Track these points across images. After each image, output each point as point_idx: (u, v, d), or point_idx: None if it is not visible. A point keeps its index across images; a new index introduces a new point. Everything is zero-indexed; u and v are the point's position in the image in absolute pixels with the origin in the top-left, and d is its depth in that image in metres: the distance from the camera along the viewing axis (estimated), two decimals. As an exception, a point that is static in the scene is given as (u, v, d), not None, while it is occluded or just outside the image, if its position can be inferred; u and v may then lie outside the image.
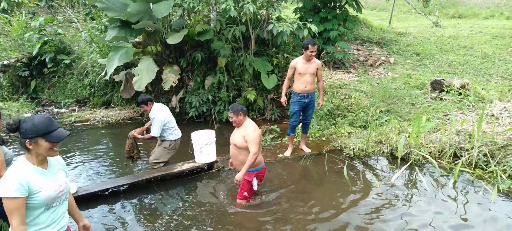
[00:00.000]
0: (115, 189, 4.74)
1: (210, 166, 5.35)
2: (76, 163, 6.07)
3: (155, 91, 8.69)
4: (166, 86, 7.66)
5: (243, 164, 4.03)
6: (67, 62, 9.88)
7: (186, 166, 5.14)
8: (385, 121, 6.35)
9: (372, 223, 3.88)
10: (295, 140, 6.13)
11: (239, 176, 4.00)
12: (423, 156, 5.07)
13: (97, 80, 9.41)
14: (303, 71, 5.23)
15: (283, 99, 5.54)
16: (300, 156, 5.66)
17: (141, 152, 5.71)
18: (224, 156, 5.65)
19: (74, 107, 9.63)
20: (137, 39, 8.46)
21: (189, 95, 8.09)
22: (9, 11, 10.38)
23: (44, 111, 9.43)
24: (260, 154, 4.20)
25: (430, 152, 5.18)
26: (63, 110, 9.51)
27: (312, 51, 5.11)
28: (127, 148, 5.25)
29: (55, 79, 10.27)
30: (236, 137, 4.16)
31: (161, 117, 5.00)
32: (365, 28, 11.33)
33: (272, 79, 7.84)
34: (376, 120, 6.50)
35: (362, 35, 10.75)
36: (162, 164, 5.24)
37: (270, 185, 4.84)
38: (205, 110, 8.00)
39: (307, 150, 5.78)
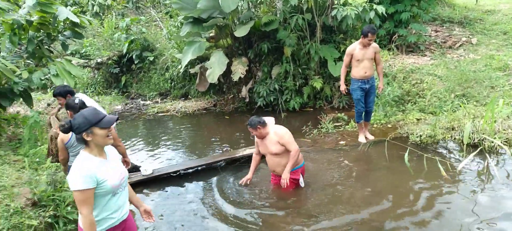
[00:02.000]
0: (185, 171, 5.22)
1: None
2: (157, 147, 6.78)
3: (227, 82, 9.17)
4: (235, 78, 8.05)
5: (284, 165, 4.15)
6: (151, 58, 10.87)
7: (248, 151, 5.42)
8: (459, 105, 5.89)
9: (434, 214, 3.72)
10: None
11: (285, 175, 4.04)
12: (498, 144, 4.65)
13: (176, 74, 10.23)
14: (361, 57, 5.13)
15: (343, 87, 5.50)
16: (360, 143, 5.57)
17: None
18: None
19: (157, 100, 10.59)
20: (211, 34, 8.99)
21: (258, 85, 8.38)
22: (100, 14, 11.71)
23: (132, 104, 10.56)
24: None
25: (507, 139, 4.71)
26: (148, 102, 10.53)
27: (370, 40, 4.99)
28: (53, 150, 4.16)
29: (141, 75, 11.39)
30: (269, 147, 4.17)
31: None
32: (447, 7, 10.41)
33: (339, 66, 7.70)
34: (451, 104, 6.06)
35: (441, 15, 9.92)
36: None
37: (328, 171, 4.88)
38: (272, 100, 8.22)
39: (370, 137, 5.66)
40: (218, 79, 8.43)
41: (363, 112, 5.58)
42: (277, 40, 8.04)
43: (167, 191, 4.85)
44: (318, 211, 3.95)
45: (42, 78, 4.73)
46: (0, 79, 4.74)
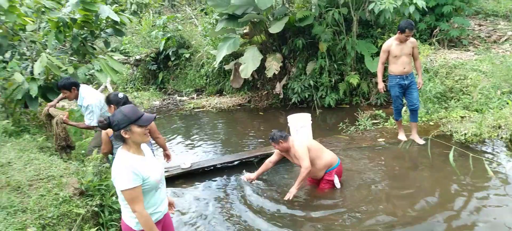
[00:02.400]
0: (222, 165, 5.28)
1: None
2: (192, 142, 6.91)
3: (261, 79, 9.18)
4: (269, 74, 8.04)
5: (318, 172, 4.14)
6: (187, 55, 11.08)
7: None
8: (506, 102, 5.57)
9: (481, 218, 3.54)
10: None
11: (291, 191, 4.01)
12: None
13: (211, 71, 10.37)
14: (398, 53, 4.97)
15: (381, 86, 5.32)
16: (401, 141, 5.39)
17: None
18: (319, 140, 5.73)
19: (193, 96, 10.78)
20: (245, 30, 9.03)
21: (292, 81, 8.33)
22: (138, 12, 12.07)
23: (169, 100, 10.81)
24: (326, 153, 4.23)
25: None
26: (184, 98, 10.75)
27: (407, 36, 4.81)
28: (61, 134, 4.35)
29: (177, 71, 11.63)
30: (293, 159, 4.21)
31: (96, 100, 4.22)
32: (491, 0, 9.87)
33: (377, 62, 7.46)
34: (497, 101, 5.75)
35: (485, 8, 9.42)
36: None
37: (366, 170, 4.76)
38: (307, 96, 8.15)
39: (420, 142, 5.23)
40: (252, 75, 8.46)
41: (401, 109, 5.39)
42: (312, 36, 7.95)
43: (203, 185, 4.92)
44: (354, 212, 3.86)
45: (86, 73, 4.94)
46: (47, 74, 4.99)
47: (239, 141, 6.78)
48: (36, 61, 4.88)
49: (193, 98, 10.60)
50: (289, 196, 4.00)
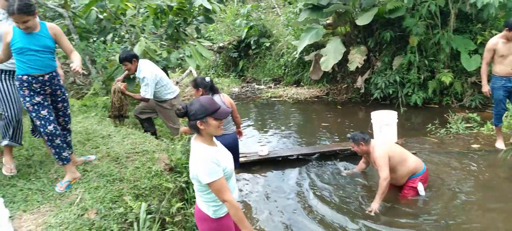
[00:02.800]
0: (298, 156, 5.26)
1: (390, 147, 5.22)
2: (269, 130, 6.99)
3: (341, 72, 8.93)
4: (352, 67, 7.77)
5: (400, 179, 3.88)
6: (267, 44, 11.20)
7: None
8: None
9: None
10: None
11: (373, 206, 3.74)
12: None
13: (290, 61, 10.35)
14: (505, 52, 4.44)
15: (486, 88, 4.80)
16: (498, 149, 4.85)
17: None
18: (403, 141, 5.40)
19: (270, 85, 10.90)
20: (328, 21, 8.83)
21: (375, 76, 7.96)
22: (224, 0, 12.44)
23: (247, 88, 11.07)
24: (410, 159, 3.91)
25: None
26: (262, 87, 10.92)
27: None
28: (116, 104, 4.54)
29: (257, 60, 11.83)
30: (374, 166, 3.98)
31: (151, 74, 4.38)
32: None
33: (475, 60, 6.84)
34: None
35: None
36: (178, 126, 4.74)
37: (455, 178, 4.36)
38: (391, 93, 7.73)
39: None
40: (333, 68, 8.24)
41: (503, 115, 4.83)
42: (402, 29, 7.48)
43: (278, 173, 4.94)
44: (441, 222, 3.55)
45: (178, 58, 5.23)
46: (144, 56, 5.40)
47: (313, 133, 6.68)
48: (134, 44, 5.30)
49: (270, 87, 10.71)
50: (372, 209, 3.78)
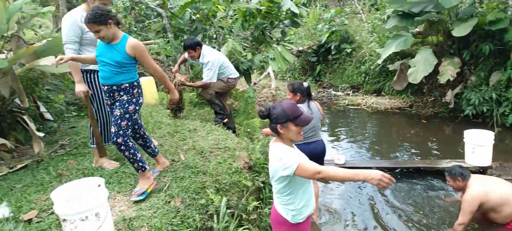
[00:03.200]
0: (376, 168, 5.04)
1: (483, 170, 4.77)
2: (345, 138, 6.83)
3: (429, 83, 8.37)
4: (442, 80, 7.24)
5: (503, 219, 3.49)
6: (348, 50, 10.93)
7: (454, 163, 4.81)
8: None
9: None
10: None
11: None
12: None
13: (372, 68, 9.98)
14: None
15: None
16: None
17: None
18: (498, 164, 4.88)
19: (348, 92, 10.61)
20: (417, 29, 8.34)
21: (468, 91, 7.32)
22: (307, 4, 12.44)
23: (324, 93, 10.92)
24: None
25: None
26: (339, 93, 10.68)
27: None
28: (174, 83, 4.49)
29: (336, 65, 11.61)
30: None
31: (215, 58, 4.47)
32: None
33: None
34: None
35: None
36: (217, 106, 4.80)
37: None
38: (485, 110, 7.04)
39: None
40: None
41: None
42: (503, 42, 6.77)
43: (352, 183, 4.80)
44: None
45: (261, 60, 5.36)
46: (229, 57, 5.63)
47: (392, 147, 6.35)
48: (221, 44, 5.56)
49: (348, 94, 10.43)
50: None
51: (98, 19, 2.55)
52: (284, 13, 5.55)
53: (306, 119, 2.16)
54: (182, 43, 4.47)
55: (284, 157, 2.11)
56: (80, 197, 2.15)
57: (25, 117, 3.68)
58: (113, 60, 2.67)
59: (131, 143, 2.79)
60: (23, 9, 3.63)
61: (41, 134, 3.64)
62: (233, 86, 4.96)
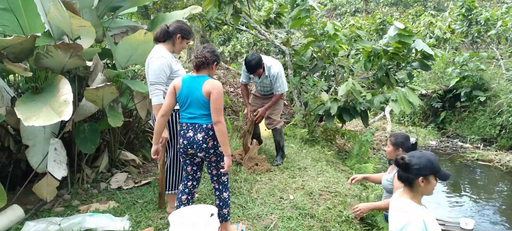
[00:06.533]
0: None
1: None
2: (466, 198, 5.96)
3: None
4: None
5: None
6: (482, 99, 9.73)
7: None
8: None
9: None
10: None
11: None
12: None
13: (510, 121, 8.65)
14: None
15: None
16: None
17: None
18: None
19: (478, 145, 9.35)
20: None
21: None
22: (437, 46, 11.47)
23: (448, 143, 9.80)
24: None
25: None
26: (467, 145, 9.47)
27: None
28: (250, 129, 4.21)
29: (464, 114, 10.39)
30: None
31: (281, 67, 4.13)
32: None
33: None
34: None
35: None
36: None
37: None
38: None
39: None
40: None
41: None
42: None
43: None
44: None
45: (382, 102, 5.06)
46: (347, 97, 5.45)
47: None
48: (339, 82, 5.43)
49: (478, 147, 9.16)
50: None
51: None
52: (413, 54, 5.18)
53: (447, 174, 2.04)
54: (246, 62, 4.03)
55: (413, 222, 1.93)
56: (195, 223, 2.25)
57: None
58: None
59: None
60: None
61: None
62: None
